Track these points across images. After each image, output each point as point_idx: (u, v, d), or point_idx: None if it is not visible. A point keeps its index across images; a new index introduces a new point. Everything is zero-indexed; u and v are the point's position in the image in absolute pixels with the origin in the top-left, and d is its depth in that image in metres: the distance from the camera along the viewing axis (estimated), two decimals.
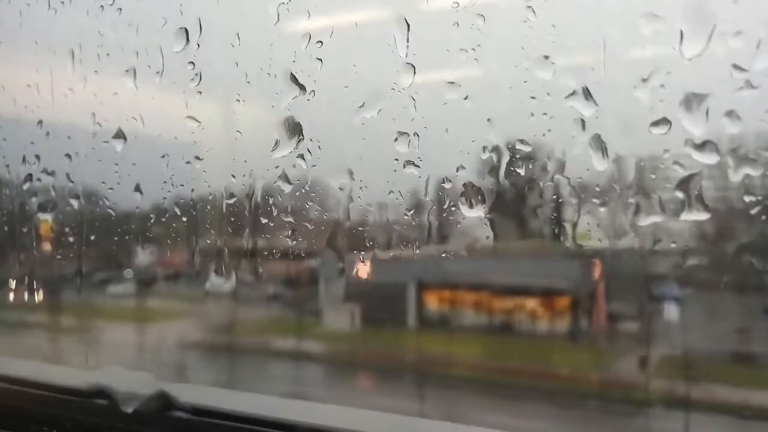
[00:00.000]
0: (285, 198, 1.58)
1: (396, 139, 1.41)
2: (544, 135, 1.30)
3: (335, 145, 1.50)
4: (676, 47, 1.11)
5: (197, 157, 1.69)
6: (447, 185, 1.43)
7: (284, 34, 1.50)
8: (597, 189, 1.30)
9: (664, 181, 1.20)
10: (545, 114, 1.27)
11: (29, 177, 1.94)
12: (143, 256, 2.06)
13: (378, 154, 1.46)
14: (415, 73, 1.36)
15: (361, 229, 1.56)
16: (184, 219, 1.74)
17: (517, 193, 1.39)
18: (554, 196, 1.38)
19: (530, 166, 1.36)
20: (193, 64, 1.59)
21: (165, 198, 1.76)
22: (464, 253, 1.47)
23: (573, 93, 1.23)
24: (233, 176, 1.65)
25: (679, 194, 1.18)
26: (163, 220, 1.81)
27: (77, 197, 1.89)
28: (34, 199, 1.96)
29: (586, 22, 1.24)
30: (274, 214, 1.61)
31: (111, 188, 1.83)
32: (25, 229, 2.05)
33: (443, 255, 1.52)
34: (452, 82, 1.34)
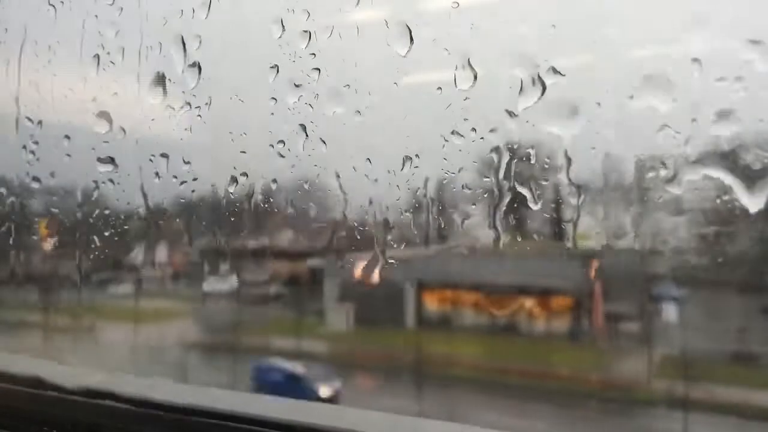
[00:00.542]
0: (285, 198, 1.58)
1: (395, 138, 1.41)
2: (543, 135, 1.30)
3: (335, 145, 1.50)
4: (677, 47, 1.12)
5: (197, 157, 1.69)
6: (447, 185, 1.43)
7: (285, 33, 1.50)
8: (597, 189, 1.30)
9: (664, 181, 1.20)
10: (545, 113, 1.28)
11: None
12: (143, 257, 2.06)
13: (378, 154, 1.46)
14: (414, 72, 1.37)
15: (361, 229, 1.56)
16: (185, 219, 1.74)
17: (516, 193, 1.39)
18: (554, 196, 1.39)
19: (530, 166, 1.36)
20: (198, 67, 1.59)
21: (164, 198, 1.76)
22: (465, 253, 1.47)
23: (573, 92, 1.23)
24: (233, 176, 1.65)
25: (679, 195, 1.18)
26: (162, 220, 1.82)
27: (77, 197, 1.89)
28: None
29: (585, 22, 1.25)
30: (275, 214, 1.61)
31: (111, 188, 1.83)
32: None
33: (444, 255, 1.52)
34: (452, 82, 1.35)
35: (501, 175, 1.38)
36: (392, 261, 1.54)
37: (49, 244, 1.98)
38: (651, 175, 1.25)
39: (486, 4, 1.32)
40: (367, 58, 1.42)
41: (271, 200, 1.62)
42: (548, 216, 1.39)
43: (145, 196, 1.75)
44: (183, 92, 1.65)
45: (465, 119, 1.36)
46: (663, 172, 1.20)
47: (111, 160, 1.76)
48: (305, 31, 1.46)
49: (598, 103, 1.23)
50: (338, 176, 1.50)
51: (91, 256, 1.87)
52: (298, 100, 1.49)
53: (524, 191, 1.37)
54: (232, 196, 1.69)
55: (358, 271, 1.63)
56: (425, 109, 1.39)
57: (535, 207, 1.37)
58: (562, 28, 1.24)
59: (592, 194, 1.31)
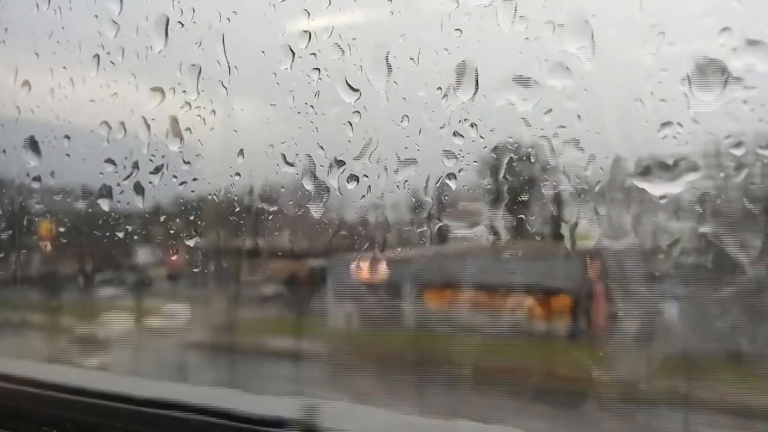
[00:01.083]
0: (286, 199, 1.58)
1: (395, 138, 1.41)
2: (543, 134, 1.30)
3: (336, 145, 1.50)
4: (678, 48, 1.12)
5: (198, 156, 1.69)
6: (447, 185, 1.43)
7: (285, 34, 1.50)
8: (597, 189, 1.30)
9: (664, 181, 1.20)
10: (545, 113, 1.28)
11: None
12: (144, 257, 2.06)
13: (378, 154, 1.46)
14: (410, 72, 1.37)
15: (361, 229, 1.56)
16: (184, 219, 1.74)
17: (517, 193, 1.39)
18: (554, 196, 1.39)
19: (530, 166, 1.36)
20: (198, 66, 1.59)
21: (164, 198, 1.76)
22: (465, 253, 1.47)
23: (573, 92, 1.23)
24: (232, 176, 1.65)
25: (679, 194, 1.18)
26: (162, 220, 1.81)
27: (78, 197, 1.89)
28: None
29: (585, 22, 1.24)
30: (276, 214, 1.61)
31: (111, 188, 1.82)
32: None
33: (445, 255, 1.53)
34: (452, 81, 1.35)
35: (501, 175, 1.38)
36: (392, 261, 1.54)
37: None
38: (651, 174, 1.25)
39: (486, 4, 1.32)
40: (367, 57, 1.42)
41: (273, 200, 1.62)
42: (548, 216, 1.39)
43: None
44: (183, 92, 1.65)
45: (465, 119, 1.36)
46: (664, 172, 1.20)
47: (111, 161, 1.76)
48: (305, 31, 1.46)
49: (599, 104, 1.23)
50: (338, 176, 1.49)
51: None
52: (299, 101, 1.49)
53: (524, 191, 1.37)
54: (232, 197, 1.69)
55: (359, 271, 1.63)
56: (425, 109, 1.39)
57: (534, 207, 1.37)
58: (563, 27, 1.24)
59: (593, 194, 1.31)
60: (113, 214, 1.84)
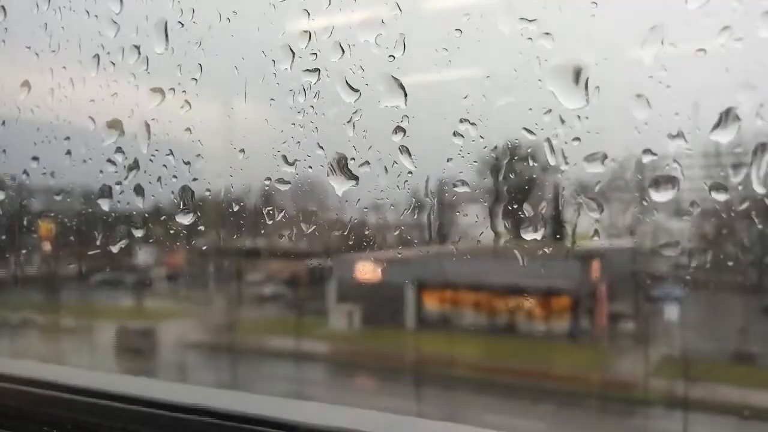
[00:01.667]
0: (286, 199, 1.58)
1: (395, 138, 1.41)
2: (544, 135, 1.30)
3: (336, 145, 1.50)
4: (678, 48, 1.11)
5: (198, 156, 1.69)
6: (447, 185, 1.43)
7: (285, 34, 1.50)
8: (597, 189, 1.30)
9: (664, 181, 1.20)
10: (546, 113, 1.28)
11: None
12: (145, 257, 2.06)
13: (378, 154, 1.46)
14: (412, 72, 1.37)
15: (362, 229, 1.56)
16: (185, 219, 1.74)
17: (517, 193, 1.39)
18: (554, 196, 1.39)
19: (530, 166, 1.36)
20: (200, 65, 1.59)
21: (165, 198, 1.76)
22: (465, 253, 1.47)
23: (573, 92, 1.23)
24: (232, 176, 1.66)
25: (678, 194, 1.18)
26: (162, 220, 1.82)
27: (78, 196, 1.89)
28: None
29: (585, 23, 1.24)
30: (277, 214, 1.61)
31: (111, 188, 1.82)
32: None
33: (444, 255, 1.53)
34: (451, 81, 1.35)
35: (501, 175, 1.38)
36: (396, 261, 1.54)
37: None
38: (651, 174, 1.25)
39: (486, 4, 1.32)
40: (366, 57, 1.42)
41: (274, 201, 1.62)
42: (548, 216, 1.39)
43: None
44: (184, 92, 1.65)
45: (465, 119, 1.36)
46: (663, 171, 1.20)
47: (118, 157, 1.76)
48: (305, 31, 1.46)
49: (599, 103, 1.23)
50: (338, 176, 1.49)
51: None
52: (299, 101, 1.49)
53: (524, 191, 1.37)
54: (233, 197, 1.69)
55: (360, 271, 1.62)
56: (425, 108, 1.39)
57: (534, 207, 1.37)
58: (563, 27, 1.24)
59: (593, 194, 1.31)
60: (113, 214, 1.84)
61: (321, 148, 1.50)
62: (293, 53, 1.48)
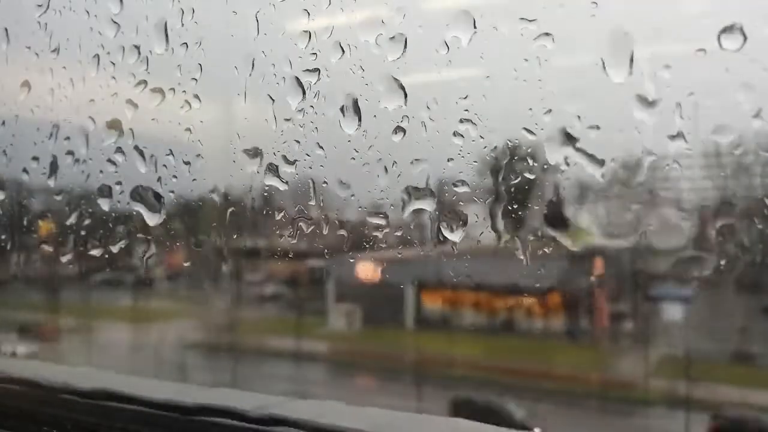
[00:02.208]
0: (287, 199, 1.58)
1: (395, 138, 1.41)
2: (544, 135, 1.30)
3: (336, 145, 1.50)
4: (678, 48, 1.12)
5: (198, 156, 1.69)
6: (447, 185, 1.43)
7: (285, 34, 1.50)
8: (597, 189, 1.30)
9: (664, 181, 1.20)
10: (546, 113, 1.28)
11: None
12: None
13: (378, 154, 1.46)
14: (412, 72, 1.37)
15: (362, 229, 1.56)
16: (185, 219, 1.74)
17: (516, 193, 1.39)
18: (554, 196, 1.39)
19: (530, 166, 1.36)
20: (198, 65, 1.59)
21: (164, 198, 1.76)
22: (465, 253, 1.47)
23: (574, 92, 1.23)
24: (232, 176, 1.66)
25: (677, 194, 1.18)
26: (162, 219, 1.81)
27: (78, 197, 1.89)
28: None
29: (588, 22, 1.24)
30: (278, 215, 1.61)
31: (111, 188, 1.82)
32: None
33: (445, 255, 1.53)
34: (451, 81, 1.35)
35: (501, 175, 1.38)
36: (396, 261, 1.54)
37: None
38: (651, 174, 1.25)
39: (486, 4, 1.32)
40: (367, 57, 1.42)
41: (275, 200, 1.62)
42: (548, 216, 1.39)
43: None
44: (184, 92, 1.65)
45: (465, 119, 1.36)
46: (663, 171, 1.20)
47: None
48: (305, 31, 1.45)
49: (600, 102, 1.23)
50: (338, 176, 1.50)
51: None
52: (300, 100, 1.49)
53: (524, 191, 1.37)
54: (233, 197, 1.69)
55: (359, 272, 1.63)
56: (425, 108, 1.39)
57: (534, 207, 1.37)
58: (564, 27, 1.24)
59: (593, 194, 1.31)
60: (113, 214, 1.84)
61: (321, 148, 1.50)
62: (293, 53, 1.48)
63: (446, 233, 1.40)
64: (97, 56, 1.75)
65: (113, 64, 1.74)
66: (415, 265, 1.54)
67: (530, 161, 1.35)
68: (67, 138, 1.82)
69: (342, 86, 1.45)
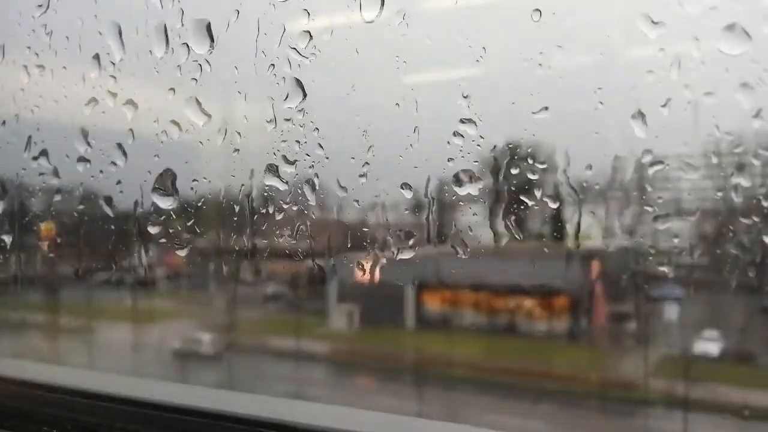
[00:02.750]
0: (286, 198, 1.58)
1: (398, 138, 1.41)
2: (544, 134, 1.30)
3: (336, 145, 1.50)
4: (678, 48, 1.12)
5: (198, 156, 1.69)
6: (447, 185, 1.43)
7: (285, 34, 1.50)
8: (597, 188, 1.30)
9: (664, 181, 1.20)
10: (546, 113, 1.28)
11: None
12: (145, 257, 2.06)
13: (378, 154, 1.46)
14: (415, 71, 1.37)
15: (364, 229, 1.56)
16: (185, 219, 1.74)
17: (516, 193, 1.39)
18: (554, 196, 1.39)
19: (530, 166, 1.36)
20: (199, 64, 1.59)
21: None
22: (465, 253, 1.47)
23: (574, 92, 1.23)
24: (233, 176, 1.66)
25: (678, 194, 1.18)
26: (163, 219, 1.81)
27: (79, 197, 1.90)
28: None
29: (587, 23, 1.24)
30: (279, 214, 1.61)
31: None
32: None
33: (445, 255, 1.53)
34: (452, 81, 1.35)
35: (501, 175, 1.38)
36: (393, 261, 1.54)
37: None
38: (651, 174, 1.25)
39: (486, 4, 1.32)
40: (367, 57, 1.42)
41: (275, 200, 1.62)
42: (548, 216, 1.40)
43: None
44: (184, 92, 1.65)
45: (466, 119, 1.36)
46: (663, 172, 1.20)
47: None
48: (305, 31, 1.46)
49: (601, 102, 1.23)
50: (338, 177, 1.50)
51: None
52: (301, 101, 1.49)
53: (524, 191, 1.37)
54: (232, 197, 1.69)
55: (359, 272, 1.63)
56: (426, 109, 1.39)
57: (535, 207, 1.37)
58: (564, 27, 1.24)
59: (593, 194, 1.31)
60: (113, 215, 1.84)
61: (321, 147, 1.50)
62: (293, 53, 1.48)
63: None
64: (97, 56, 1.76)
65: (113, 63, 1.74)
66: (415, 266, 1.54)
67: (530, 161, 1.35)
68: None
69: (342, 86, 1.45)
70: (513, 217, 1.40)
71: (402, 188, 1.44)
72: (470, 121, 1.35)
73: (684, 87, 1.13)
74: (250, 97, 1.60)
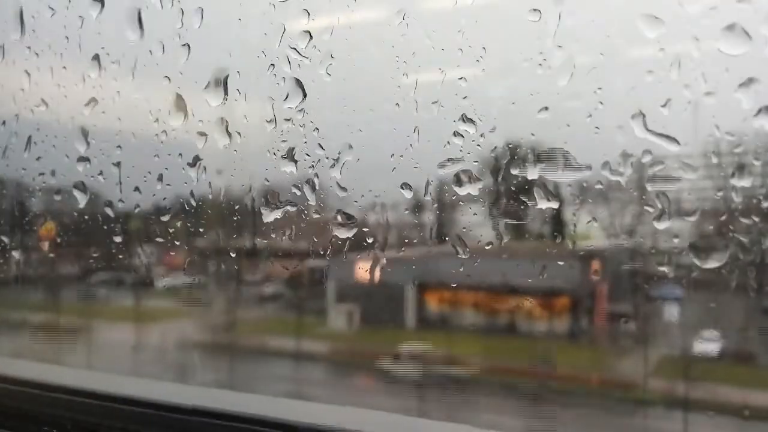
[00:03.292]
0: (287, 199, 1.58)
1: (398, 138, 1.41)
2: (544, 134, 1.30)
3: (336, 145, 1.50)
4: (678, 48, 1.11)
5: (198, 157, 1.69)
6: (447, 185, 1.43)
7: (285, 34, 1.50)
8: (597, 188, 1.30)
9: (664, 181, 1.20)
10: (546, 113, 1.28)
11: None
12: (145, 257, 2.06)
13: (379, 154, 1.46)
14: (415, 71, 1.37)
15: (364, 229, 1.56)
16: (185, 219, 1.74)
17: (516, 193, 1.39)
18: (555, 196, 1.39)
19: (530, 166, 1.36)
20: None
21: (165, 197, 1.76)
22: (465, 253, 1.47)
23: (574, 92, 1.23)
24: (233, 176, 1.66)
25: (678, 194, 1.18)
26: (163, 219, 1.81)
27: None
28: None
29: (588, 22, 1.24)
30: (279, 214, 1.61)
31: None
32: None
33: (445, 255, 1.53)
34: (452, 81, 1.35)
35: (501, 175, 1.38)
36: (396, 261, 1.54)
37: None
38: (651, 174, 1.25)
39: (486, 3, 1.32)
40: (367, 57, 1.42)
41: (274, 200, 1.62)
42: (548, 216, 1.39)
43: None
44: (183, 92, 1.65)
45: (467, 119, 1.36)
46: (663, 171, 1.20)
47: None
48: (305, 32, 1.45)
49: (601, 102, 1.23)
50: (338, 177, 1.49)
51: None
52: (301, 101, 1.49)
53: (524, 191, 1.37)
54: (232, 197, 1.69)
55: (359, 272, 1.63)
56: (426, 109, 1.39)
57: (535, 207, 1.37)
58: (565, 27, 1.24)
59: (593, 194, 1.31)
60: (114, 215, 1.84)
61: (321, 147, 1.50)
62: (293, 53, 1.48)
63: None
64: (97, 56, 1.76)
65: (113, 64, 1.74)
66: (415, 266, 1.54)
67: (530, 161, 1.35)
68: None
69: (342, 86, 1.45)
70: (513, 218, 1.40)
71: (402, 188, 1.44)
72: (470, 121, 1.35)
73: (684, 87, 1.13)
74: (250, 97, 1.60)
